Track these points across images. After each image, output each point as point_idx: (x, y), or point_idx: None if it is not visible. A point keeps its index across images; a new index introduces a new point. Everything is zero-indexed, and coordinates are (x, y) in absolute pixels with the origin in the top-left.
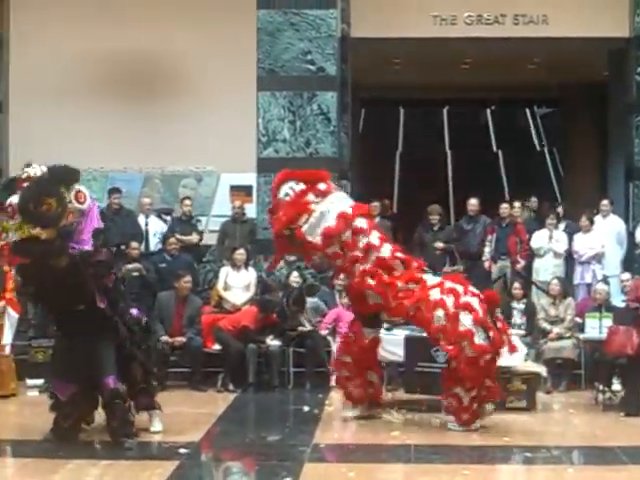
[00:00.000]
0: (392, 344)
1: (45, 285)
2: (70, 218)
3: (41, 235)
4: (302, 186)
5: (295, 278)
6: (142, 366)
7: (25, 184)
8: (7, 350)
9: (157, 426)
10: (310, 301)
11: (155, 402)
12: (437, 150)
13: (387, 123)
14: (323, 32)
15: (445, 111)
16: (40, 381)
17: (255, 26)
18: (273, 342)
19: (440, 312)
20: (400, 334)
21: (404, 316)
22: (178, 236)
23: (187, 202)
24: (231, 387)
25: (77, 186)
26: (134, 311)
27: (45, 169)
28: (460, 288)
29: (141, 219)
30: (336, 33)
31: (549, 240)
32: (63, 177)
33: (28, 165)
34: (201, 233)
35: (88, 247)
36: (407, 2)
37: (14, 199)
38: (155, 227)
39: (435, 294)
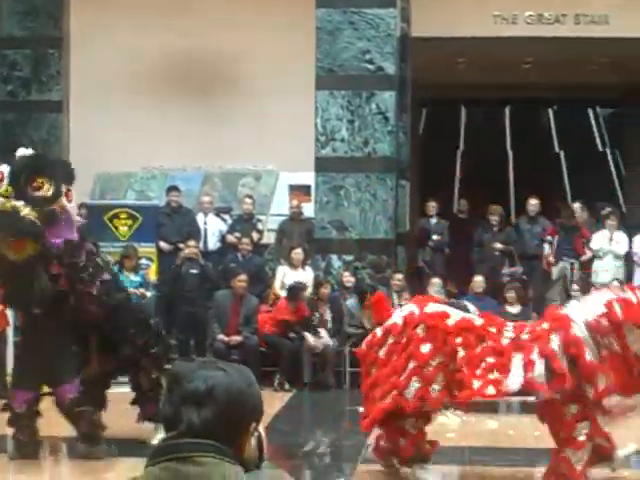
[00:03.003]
0: None
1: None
2: (57, 209)
3: (21, 211)
4: None
5: (347, 277)
6: (148, 373)
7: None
8: None
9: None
10: (350, 303)
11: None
12: (498, 150)
13: (448, 122)
14: (382, 31)
15: (507, 110)
16: None
17: (314, 25)
18: (328, 341)
19: None
20: None
21: None
22: (237, 235)
23: (248, 201)
24: (287, 387)
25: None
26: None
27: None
28: None
29: (200, 218)
30: (395, 32)
31: (609, 241)
32: (64, 168)
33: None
34: (261, 232)
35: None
36: (468, 2)
37: (2, 167)
38: (214, 226)
39: None
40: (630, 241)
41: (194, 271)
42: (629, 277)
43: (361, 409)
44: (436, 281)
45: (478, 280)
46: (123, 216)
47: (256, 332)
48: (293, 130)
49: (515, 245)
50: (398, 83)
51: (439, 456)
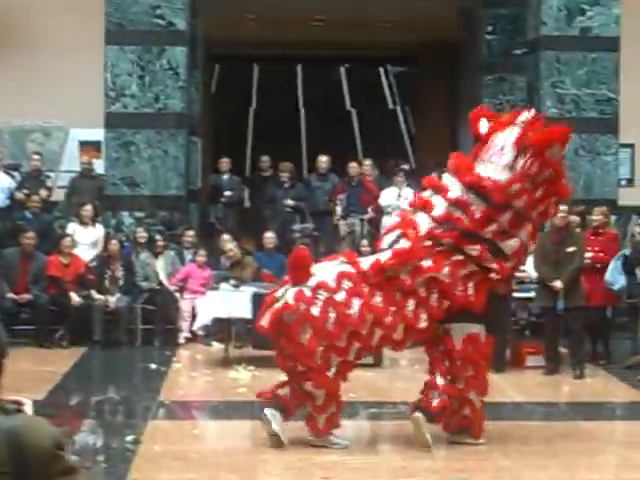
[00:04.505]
0: (240, 301)
1: None
2: None
3: None
4: None
5: (141, 234)
6: None
7: None
8: None
9: None
10: (144, 256)
11: None
12: (290, 107)
13: (241, 80)
14: None
15: (299, 68)
16: None
17: None
18: (119, 299)
19: None
20: (248, 291)
21: None
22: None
23: (36, 157)
24: (65, 344)
25: None
26: None
27: None
28: None
29: None
30: None
31: (398, 198)
32: None
33: None
34: (50, 189)
35: None
36: None
37: None
38: (2, 183)
39: None
40: None
41: None
42: None
43: (153, 366)
44: (227, 237)
45: (269, 236)
46: None
47: (45, 290)
48: (83, 86)
49: (306, 202)
50: (189, 39)
51: (231, 411)
